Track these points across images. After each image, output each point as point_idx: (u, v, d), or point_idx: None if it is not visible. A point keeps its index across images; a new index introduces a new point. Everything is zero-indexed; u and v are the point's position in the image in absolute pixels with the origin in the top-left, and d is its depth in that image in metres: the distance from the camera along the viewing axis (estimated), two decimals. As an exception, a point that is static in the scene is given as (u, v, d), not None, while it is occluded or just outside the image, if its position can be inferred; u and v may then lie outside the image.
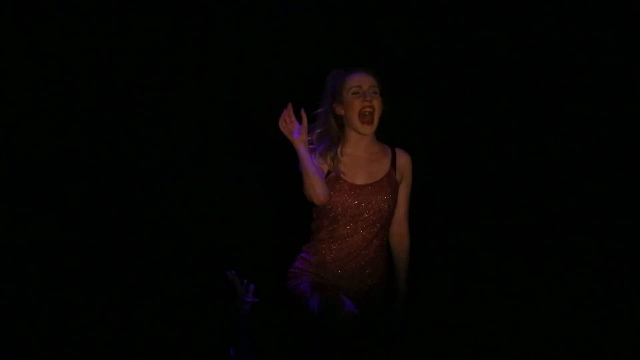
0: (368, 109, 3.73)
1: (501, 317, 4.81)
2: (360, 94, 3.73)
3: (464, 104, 5.00)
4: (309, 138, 3.75)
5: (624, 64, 4.72)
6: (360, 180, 3.77)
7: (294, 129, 3.65)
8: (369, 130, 3.76)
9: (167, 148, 5.14)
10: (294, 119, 3.66)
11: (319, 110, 3.82)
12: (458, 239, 4.97)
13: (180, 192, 5.15)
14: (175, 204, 5.14)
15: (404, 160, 3.85)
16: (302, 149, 3.64)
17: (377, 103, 3.75)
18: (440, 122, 5.04)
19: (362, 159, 3.81)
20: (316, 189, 3.67)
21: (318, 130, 3.81)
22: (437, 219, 4.99)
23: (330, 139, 3.80)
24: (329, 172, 3.81)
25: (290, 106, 3.67)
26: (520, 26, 4.86)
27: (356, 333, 3.54)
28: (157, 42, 5.08)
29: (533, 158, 4.88)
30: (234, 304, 3.97)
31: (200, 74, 5.14)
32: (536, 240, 4.85)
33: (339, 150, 3.78)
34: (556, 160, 4.85)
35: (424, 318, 4.84)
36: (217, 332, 4.76)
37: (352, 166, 3.79)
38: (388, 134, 4.07)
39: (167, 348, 4.88)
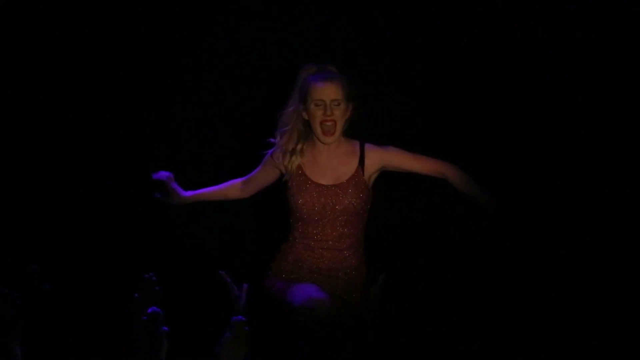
0: (328, 123, 3.78)
1: (501, 317, 4.81)
2: (322, 107, 3.77)
3: (464, 103, 5.00)
4: (276, 138, 3.83)
5: (624, 64, 4.72)
6: (325, 181, 3.83)
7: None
8: (330, 140, 3.83)
9: (167, 148, 5.14)
10: None
11: (288, 109, 3.86)
12: (457, 239, 4.97)
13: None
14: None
15: (372, 155, 3.89)
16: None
17: (338, 114, 3.81)
18: (440, 122, 5.04)
19: (328, 160, 3.86)
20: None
21: (284, 129, 3.87)
22: (436, 219, 4.98)
23: (291, 136, 3.85)
24: (282, 175, 3.89)
25: None
26: (520, 26, 4.86)
27: (336, 328, 3.59)
28: (157, 42, 5.08)
29: (533, 158, 4.88)
30: (228, 303, 3.98)
31: (200, 74, 5.15)
32: (536, 240, 4.85)
33: (298, 148, 3.84)
34: (556, 160, 4.85)
35: (423, 318, 4.84)
36: (216, 332, 4.76)
37: (318, 167, 3.86)
38: (387, 134, 4.08)
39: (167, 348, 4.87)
